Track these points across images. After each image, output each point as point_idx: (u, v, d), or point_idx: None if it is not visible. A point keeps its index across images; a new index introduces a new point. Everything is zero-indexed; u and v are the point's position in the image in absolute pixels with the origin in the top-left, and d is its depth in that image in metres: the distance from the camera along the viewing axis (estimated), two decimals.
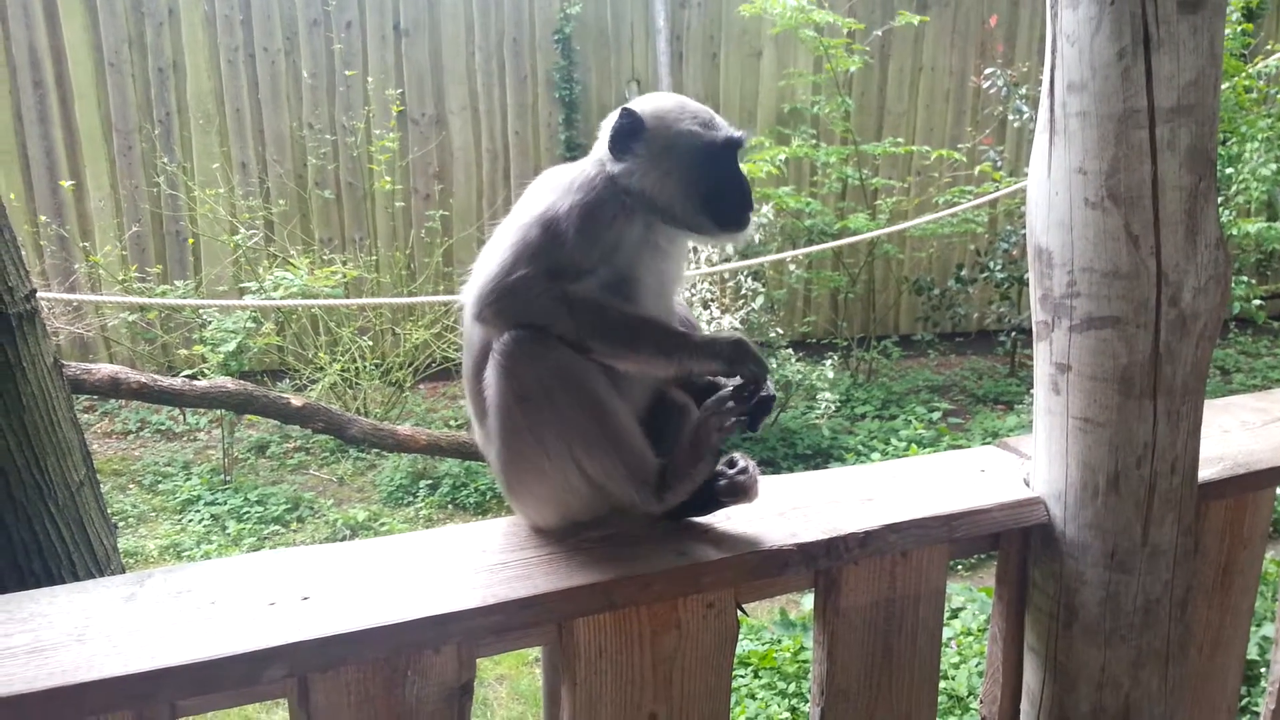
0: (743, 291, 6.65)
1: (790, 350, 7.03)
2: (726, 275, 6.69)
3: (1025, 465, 1.76)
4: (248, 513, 6.26)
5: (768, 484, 1.76)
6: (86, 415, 7.64)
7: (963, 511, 1.63)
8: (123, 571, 2.02)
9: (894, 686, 1.69)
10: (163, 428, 7.55)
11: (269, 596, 1.40)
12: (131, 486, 6.68)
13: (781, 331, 7.06)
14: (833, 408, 6.81)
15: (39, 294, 1.91)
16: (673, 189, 1.55)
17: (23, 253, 1.88)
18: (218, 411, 6.58)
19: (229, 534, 6.03)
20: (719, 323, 6.30)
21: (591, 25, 8.44)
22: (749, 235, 1.64)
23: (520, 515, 1.62)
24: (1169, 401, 1.53)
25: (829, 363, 7.10)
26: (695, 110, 1.59)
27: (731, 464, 1.59)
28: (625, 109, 1.56)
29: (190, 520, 6.21)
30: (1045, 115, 1.57)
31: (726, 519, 1.60)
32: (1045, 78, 1.57)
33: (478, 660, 1.49)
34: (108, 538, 1.94)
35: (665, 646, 1.53)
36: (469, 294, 1.51)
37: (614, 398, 1.49)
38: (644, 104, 1.61)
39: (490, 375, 1.48)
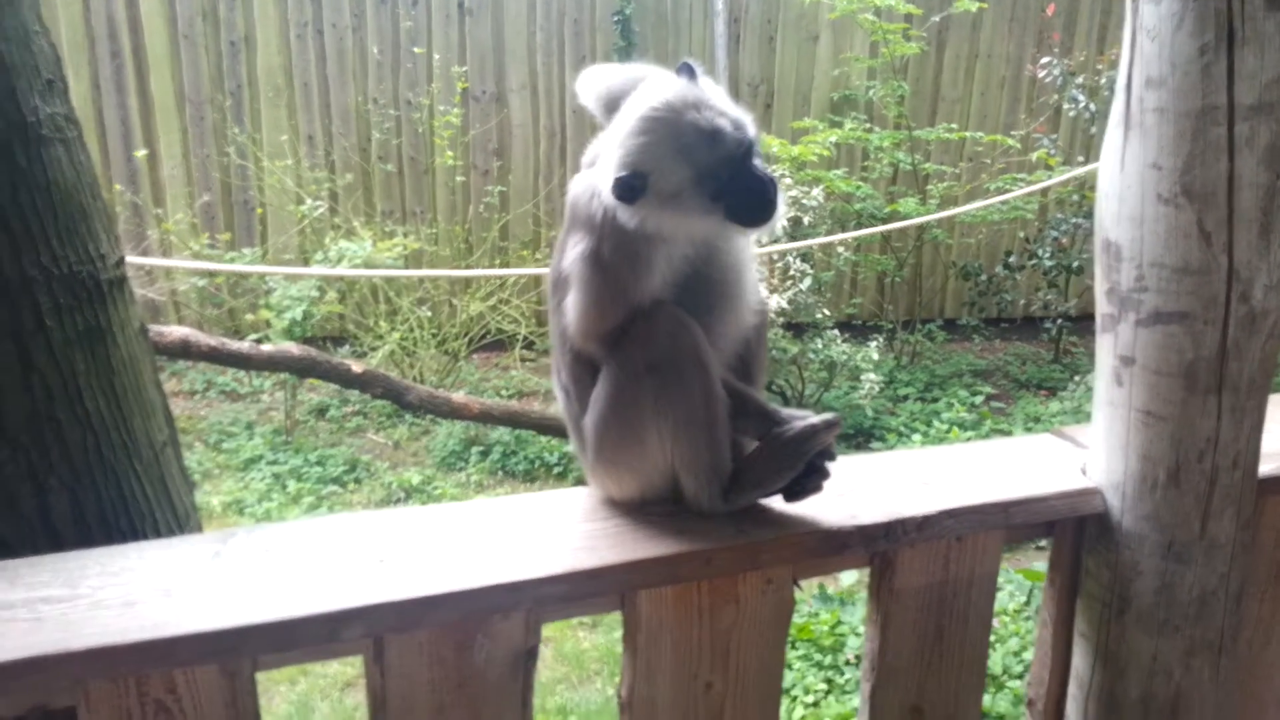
0: (791, 272, 6.65)
1: (836, 331, 7.05)
2: (775, 256, 6.69)
3: (1082, 455, 1.78)
4: (307, 472, 6.45)
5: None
6: None
7: (1021, 499, 1.65)
8: (199, 528, 2.11)
9: (943, 666, 1.72)
10: (228, 389, 7.76)
11: (347, 558, 1.47)
12: (197, 445, 6.89)
13: (828, 313, 7.07)
14: (876, 389, 6.82)
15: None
16: (694, 221, 1.49)
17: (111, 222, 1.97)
18: (281, 375, 6.75)
19: (289, 492, 6.21)
20: (766, 302, 6.31)
21: (651, 7, 8.43)
22: (780, 220, 1.54)
23: (595, 486, 1.66)
24: (1234, 397, 1.54)
25: (874, 344, 7.10)
26: (689, 128, 1.44)
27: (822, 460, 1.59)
28: (619, 179, 1.42)
29: (253, 478, 6.41)
30: (1120, 109, 1.58)
31: (779, 501, 1.63)
32: (1121, 72, 1.57)
33: None
34: (187, 496, 2.03)
35: (723, 620, 1.58)
36: (574, 337, 1.56)
37: (721, 389, 1.52)
38: (632, 143, 1.45)
39: (626, 338, 1.50)
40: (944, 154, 8.76)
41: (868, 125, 8.16)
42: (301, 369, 5.92)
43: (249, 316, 7.20)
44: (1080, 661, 1.76)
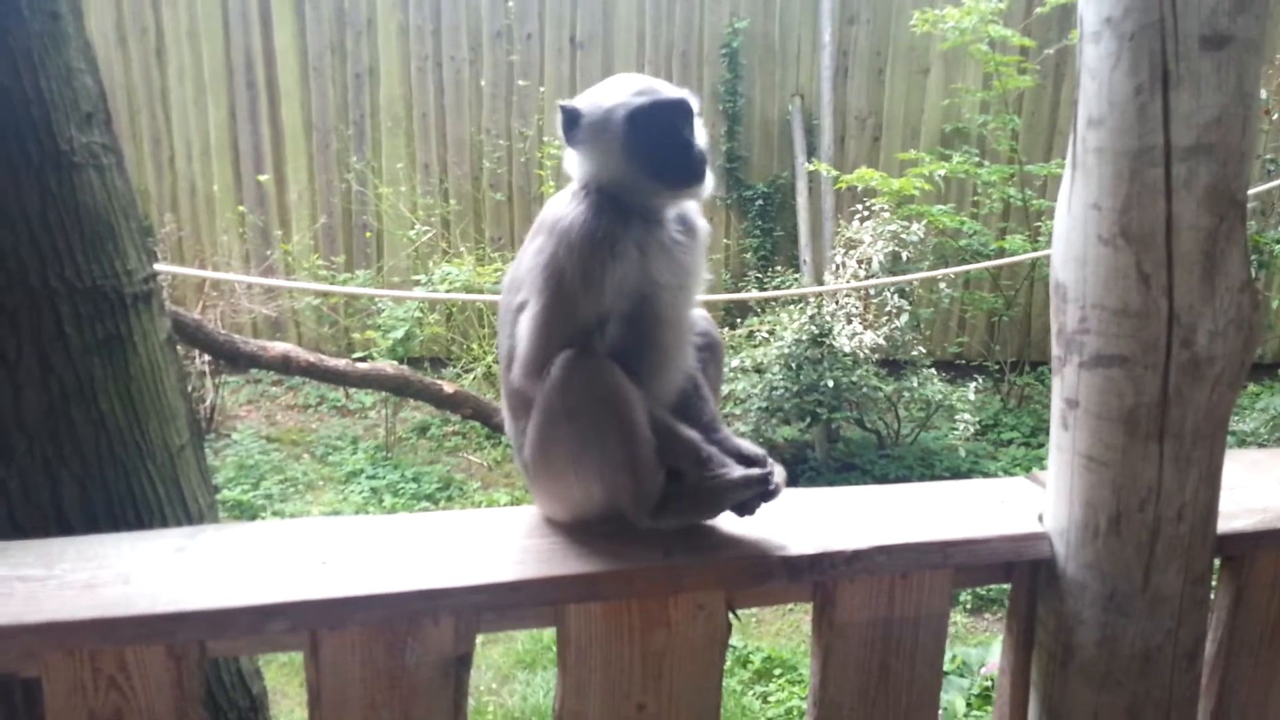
0: (888, 309, 6.55)
1: (933, 370, 6.88)
2: (872, 292, 6.61)
3: (1044, 499, 1.74)
4: (403, 488, 6.69)
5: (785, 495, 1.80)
6: (274, 388, 8.34)
7: (960, 540, 1.63)
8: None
9: (890, 706, 1.70)
10: (338, 404, 8.14)
11: (294, 558, 1.57)
12: (305, 456, 7.25)
13: (925, 350, 6.91)
14: (970, 430, 6.61)
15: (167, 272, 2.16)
16: (616, 160, 1.60)
17: (150, 239, 2.13)
18: (383, 392, 7.05)
19: (384, 506, 6.46)
20: (860, 338, 6.23)
21: (759, 40, 8.49)
22: (706, 190, 1.63)
23: (537, 506, 1.74)
24: (1177, 446, 1.49)
25: (972, 385, 6.91)
26: (633, 84, 1.62)
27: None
28: (562, 106, 1.63)
29: (352, 490, 6.69)
30: (1070, 149, 1.56)
31: (725, 522, 1.66)
32: (1072, 112, 1.56)
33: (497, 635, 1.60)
34: (204, 496, 2.18)
35: (655, 642, 1.60)
36: (517, 367, 1.62)
37: (646, 428, 1.56)
38: (586, 93, 1.66)
39: (545, 383, 1.57)
40: (1059, 190, 8.47)
41: (978, 160, 7.98)
42: (395, 387, 6.19)
43: (358, 335, 7.56)
44: (1033, 713, 1.71)
